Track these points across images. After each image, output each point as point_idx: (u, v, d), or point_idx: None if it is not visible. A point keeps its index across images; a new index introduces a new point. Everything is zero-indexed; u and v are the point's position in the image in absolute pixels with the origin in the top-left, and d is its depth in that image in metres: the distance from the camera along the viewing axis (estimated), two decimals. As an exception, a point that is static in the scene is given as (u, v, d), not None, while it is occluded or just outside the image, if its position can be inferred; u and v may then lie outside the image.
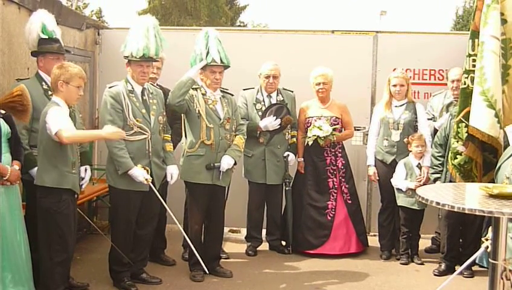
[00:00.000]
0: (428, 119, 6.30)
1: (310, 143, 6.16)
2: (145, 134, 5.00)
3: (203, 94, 5.40)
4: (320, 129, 6.10)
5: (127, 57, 5.07)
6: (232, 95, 5.69)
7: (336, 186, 6.28)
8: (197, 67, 5.28)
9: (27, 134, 4.76)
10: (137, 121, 4.97)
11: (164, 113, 5.28)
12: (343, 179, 6.31)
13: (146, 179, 4.87)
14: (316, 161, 6.28)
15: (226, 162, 5.33)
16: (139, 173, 4.87)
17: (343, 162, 6.33)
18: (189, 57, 5.57)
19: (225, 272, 5.56)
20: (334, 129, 6.15)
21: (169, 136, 5.34)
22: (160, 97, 5.29)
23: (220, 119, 5.38)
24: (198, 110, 5.32)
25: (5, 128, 4.32)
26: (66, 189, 4.42)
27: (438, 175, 5.79)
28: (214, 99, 5.42)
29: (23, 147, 4.66)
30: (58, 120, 4.28)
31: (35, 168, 4.65)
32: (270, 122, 6.06)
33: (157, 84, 5.78)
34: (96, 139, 4.43)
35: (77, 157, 4.58)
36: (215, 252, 5.64)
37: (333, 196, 6.27)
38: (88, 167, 5.02)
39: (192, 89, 5.41)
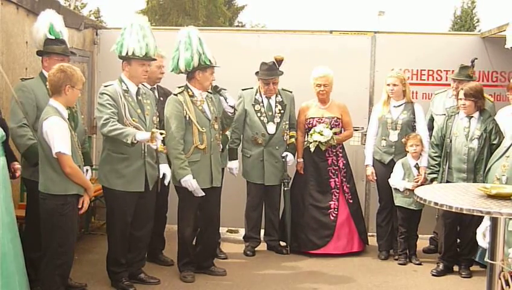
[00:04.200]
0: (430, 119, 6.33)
1: (312, 149, 6.17)
2: None
3: (190, 96, 5.35)
4: (321, 134, 6.10)
5: (125, 56, 5.04)
6: (225, 89, 5.66)
7: (337, 186, 6.29)
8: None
9: (30, 129, 4.72)
10: (133, 120, 4.95)
11: (157, 114, 5.28)
12: (344, 179, 6.33)
13: (152, 133, 4.73)
14: (318, 161, 6.29)
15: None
16: (144, 134, 4.77)
17: (344, 161, 6.35)
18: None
19: (219, 271, 5.58)
20: (334, 132, 6.16)
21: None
22: (152, 98, 5.29)
23: (209, 121, 5.36)
24: (189, 117, 5.28)
25: (1, 132, 4.30)
26: (72, 194, 4.41)
27: (435, 175, 5.79)
28: (201, 99, 5.38)
29: (29, 138, 4.65)
30: (61, 142, 4.25)
31: None
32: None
33: (157, 85, 5.80)
34: (84, 186, 4.44)
35: (81, 160, 4.57)
36: (211, 251, 5.66)
37: (335, 195, 6.28)
38: (89, 167, 5.02)
39: (179, 93, 5.33)
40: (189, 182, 5.19)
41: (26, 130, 4.68)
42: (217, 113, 5.48)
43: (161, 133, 4.78)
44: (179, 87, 5.42)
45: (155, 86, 5.82)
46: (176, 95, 5.35)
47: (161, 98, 5.66)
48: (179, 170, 5.21)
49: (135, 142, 4.73)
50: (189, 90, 5.36)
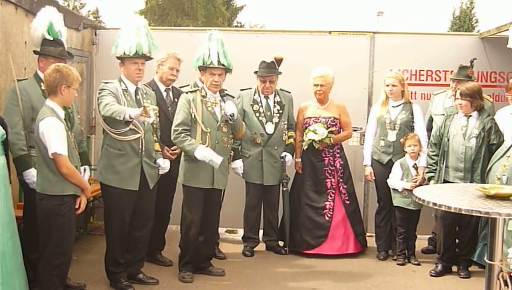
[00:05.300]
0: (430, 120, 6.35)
1: (305, 148, 6.18)
2: (138, 133, 4.98)
3: (202, 96, 5.40)
4: (315, 133, 6.10)
5: (120, 57, 5.09)
6: (233, 97, 5.71)
7: (333, 186, 6.29)
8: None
9: (25, 134, 4.71)
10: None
11: (158, 114, 5.27)
12: (341, 180, 6.32)
13: (144, 107, 4.63)
14: (314, 161, 6.29)
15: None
16: (136, 110, 4.73)
17: (341, 162, 6.33)
18: (187, 57, 5.65)
19: (218, 271, 5.59)
20: (331, 132, 6.16)
21: (159, 136, 5.33)
22: (153, 98, 5.29)
23: (217, 122, 5.38)
24: (194, 115, 5.31)
25: (1, 131, 4.29)
26: (69, 194, 4.40)
27: (432, 174, 5.81)
28: (214, 101, 5.41)
29: (21, 148, 4.64)
30: (57, 143, 4.23)
31: (29, 170, 4.64)
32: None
33: (172, 86, 5.85)
34: (81, 186, 4.43)
35: (77, 161, 4.56)
36: (209, 252, 5.66)
37: (331, 196, 6.27)
38: (87, 167, 5.01)
39: (191, 92, 5.42)
40: (202, 152, 5.18)
41: (19, 138, 4.66)
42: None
43: (154, 109, 4.72)
44: (183, 87, 5.44)
45: (170, 87, 5.84)
46: (186, 93, 5.43)
47: (175, 100, 5.68)
48: (188, 148, 5.23)
49: (130, 120, 4.71)
50: (202, 90, 5.42)
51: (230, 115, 5.33)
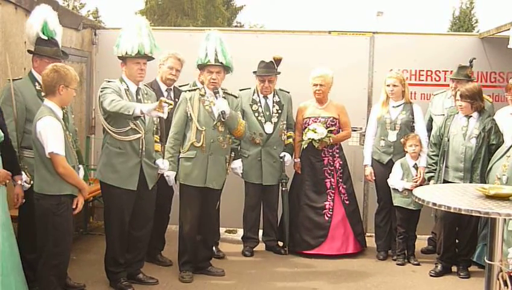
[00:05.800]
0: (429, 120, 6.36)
1: (304, 147, 6.18)
2: (139, 133, 4.99)
3: (201, 95, 5.40)
4: (315, 132, 6.11)
5: (121, 56, 5.09)
6: (236, 97, 5.69)
7: (333, 186, 6.28)
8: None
9: (17, 135, 4.66)
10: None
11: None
12: (340, 180, 6.32)
13: (160, 100, 4.61)
14: (314, 161, 6.29)
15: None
16: (149, 105, 4.78)
17: (341, 162, 6.34)
18: (187, 57, 5.69)
19: (217, 271, 5.59)
20: (330, 131, 6.16)
21: (158, 137, 5.34)
22: (153, 98, 5.29)
23: (214, 121, 5.37)
24: (190, 114, 5.33)
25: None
26: (66, 194, 4.39)
27: (432, 174, 5.81)
28: (212, 100, 5.41)
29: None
30: (54, 142, 4.22)
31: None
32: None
33: (174, 87, 5.85)
34: (78, 186, 4.41)
35: (75, 161, 4.56)
36: (207, 253, 5.66)
37: (331, 196, 6.27)
38: (81, 165, 4.99)
39: (190, 90, 5.44)
40: (169, 176, 5.37)
41: (12, 139, 4.60)
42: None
43: (169, 104, 4.66)
44: (182, 86, 5.49)
45: (171, 87, 5.86)
46: (185, 92, 5.47)
47: (177, 100, 5.67)
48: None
49: (141, 115, 4.71)
50: (202, 89, 5.44)
51: (221, 112, 5.33)
